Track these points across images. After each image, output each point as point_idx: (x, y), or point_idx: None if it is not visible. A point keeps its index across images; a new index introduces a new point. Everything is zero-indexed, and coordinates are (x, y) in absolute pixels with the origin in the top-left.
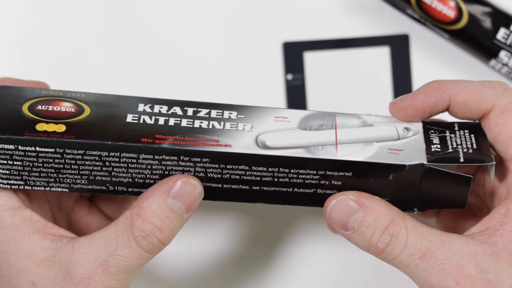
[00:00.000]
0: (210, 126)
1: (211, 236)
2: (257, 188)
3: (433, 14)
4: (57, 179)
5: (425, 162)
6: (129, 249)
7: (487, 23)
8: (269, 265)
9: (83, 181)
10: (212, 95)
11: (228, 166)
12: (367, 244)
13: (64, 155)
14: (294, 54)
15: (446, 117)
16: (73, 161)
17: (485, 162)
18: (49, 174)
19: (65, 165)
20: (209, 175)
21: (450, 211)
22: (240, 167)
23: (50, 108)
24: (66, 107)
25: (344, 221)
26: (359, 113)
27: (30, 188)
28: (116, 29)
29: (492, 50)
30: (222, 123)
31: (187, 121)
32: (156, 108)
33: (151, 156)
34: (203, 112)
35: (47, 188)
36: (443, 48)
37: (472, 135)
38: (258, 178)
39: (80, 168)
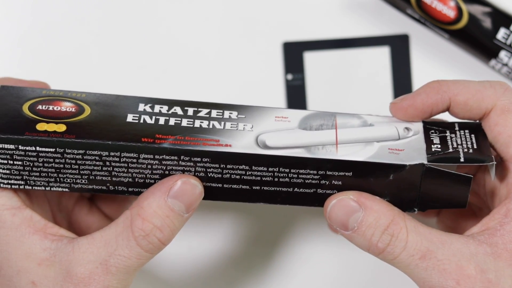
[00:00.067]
0: (211, 126)
1: (211, 236)
2: (258, 188)
3: (433, 14)
4: (58, 179)
5: (425, 162)
6: (129, 248)
7: (487, 23)
8: (269, 265)
9: (83, 181)
10: (212, 95)
11: (228, 166)
12: (367, 244)
13: (65, 154)
14: (294, 54)
15: (446, 117)
16: (73, 161)
17: (485, 162)
18: (50, 174)
19: (66, 165)
20: (209, 175)
21: (450, 211)
22: (241, 167)
23: (51, 108)
24: (67, 107)
25: (344, 221)
26: (359, 113)
27: (30, 188)
28: (116, 29)
29: (492, 50)
30: (222, 123)
31: (188, 121)
32: (157, 108)
33: (152, 156)
34: (203, 112)
35: (48, 188)
36: (443, 48)
37: (473, 135)
38: (259, 178)
39: (81, 168)
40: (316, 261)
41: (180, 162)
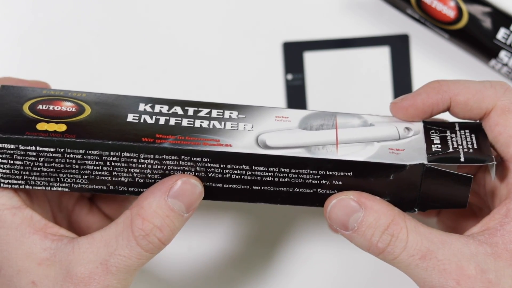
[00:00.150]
0: (211, 126)
1: (211, 236)
2: (258, 188)
3: (433, 14)
4: (58, 178)
5: (425, 162)
6: (129, 248)
7: (487, 23)
8: (269, 265)
9: (83, 181)
10: (212, 95)
11: (228, 166)
12: (367, 244)
13: (65, 154)
14: (294, 54)
15: (446, 117)
16: (73, 161)
17: (485, 162)
18: (50, 173)
19: (66, 165)
20: (209, 175)
21: (450, 211)
22: (241, 167)
23: (51, 107)
24: (67, 106)
25: (344, 221)
26: (359, 113)
27: (30, 187)
28: (116, 29)
29: (492, 50)
30: (222, 122)
31: (188, 121)
32: (157, 108)
33: (152, 156)
34: (203, 112)
35: (48, 188)
36: (443, 48)
37: (473, 135)
38: (259, 178)
39: (81, 168)
40: (316, 261)
41: (180, 162)
